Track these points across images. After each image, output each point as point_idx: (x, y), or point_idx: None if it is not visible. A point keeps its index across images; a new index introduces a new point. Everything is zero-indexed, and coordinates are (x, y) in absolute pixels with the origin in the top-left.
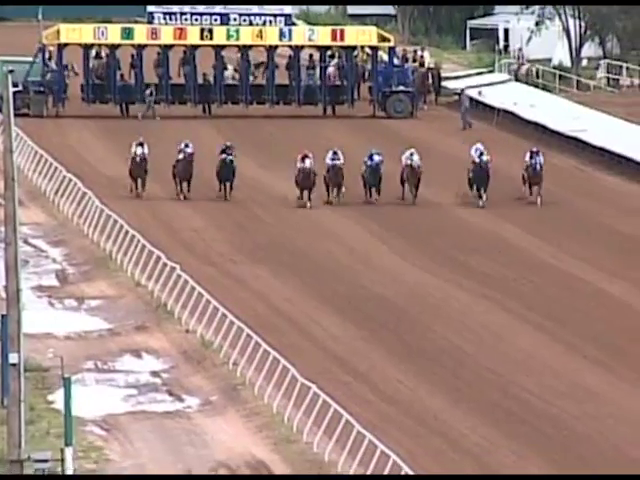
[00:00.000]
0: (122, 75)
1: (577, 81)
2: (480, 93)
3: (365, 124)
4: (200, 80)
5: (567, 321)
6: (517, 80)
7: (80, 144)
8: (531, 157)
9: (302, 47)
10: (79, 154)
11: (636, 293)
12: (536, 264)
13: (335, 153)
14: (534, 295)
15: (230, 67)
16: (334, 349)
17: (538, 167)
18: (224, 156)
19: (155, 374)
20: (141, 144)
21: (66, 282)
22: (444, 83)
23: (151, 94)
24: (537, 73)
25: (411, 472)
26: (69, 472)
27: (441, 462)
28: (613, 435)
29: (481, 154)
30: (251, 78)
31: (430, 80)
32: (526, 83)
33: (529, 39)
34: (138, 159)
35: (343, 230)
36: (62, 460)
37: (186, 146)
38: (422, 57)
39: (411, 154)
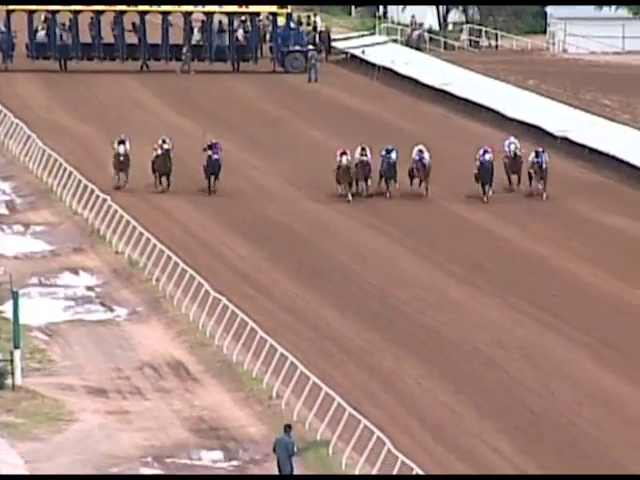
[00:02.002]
0: (61, 35)
1: (444, 43)
2: (363, 52)
3: (266, 78)
4: (127, 40)
5: (437, 244)
6: (408, 43)
7: (26, 94)
8: (536, 155)
9: (213, 13)
10: (25, 102)
11: (493, 220)
12: (410, 196)
13: (363, 149)
14: (412, 224)
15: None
16: (241, 268)
17: (544, 165)
18: (210, 153)
19: (90, 288)
20: (123, 142)
21: (14, 211)
22: (333, 44)
23: (187, 51)
24: (424, 38)
25: (305, 369)
26: (18, 370)
27: (331, 362)
28: (473, 337)
29: (485, 153)
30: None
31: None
32: (417, 47)
33: (404, 7)
34: (122, 157)
35: (253, 172)
36: (11, 360)
37: (164, 142)
38: (315, 22)
39: (420, 151)
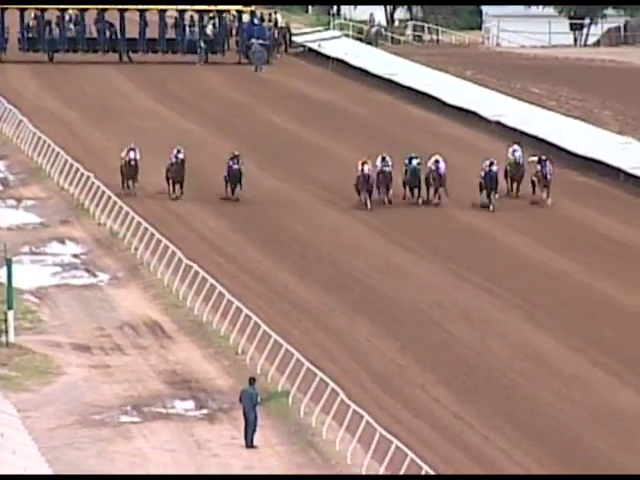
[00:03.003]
0: (50, 30)
1: (391, 37)
2: (319, 45)
3: (233, 69)
4: (108, 34)
5: (388, 219)
6: (367, 38)
7: (18, 83)
8: (540, 163)
9: (185, 10)
10: (17, 90)
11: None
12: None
13: (384, 159)
14: (384, 213)
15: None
16: (210, 238)
17: (548, 176)
18: (231, 164)
19: (75, 256)
20: (133, 149)
21: (8, 187)
22: (293, 38)
23: (205, 43)
24: (382, 34)
25: (267, 328)
26: (11, 329)
27: (290, 321)
28: (417, 300)
29: (491, 164)
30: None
31: (281, 36)
32: (375, 42)
33: (355, 6)
34: (132, 162)
35: (220, 152)
36: (5, 320)
37: (178, 152)
38: (276, 19)
39: (436, 161)
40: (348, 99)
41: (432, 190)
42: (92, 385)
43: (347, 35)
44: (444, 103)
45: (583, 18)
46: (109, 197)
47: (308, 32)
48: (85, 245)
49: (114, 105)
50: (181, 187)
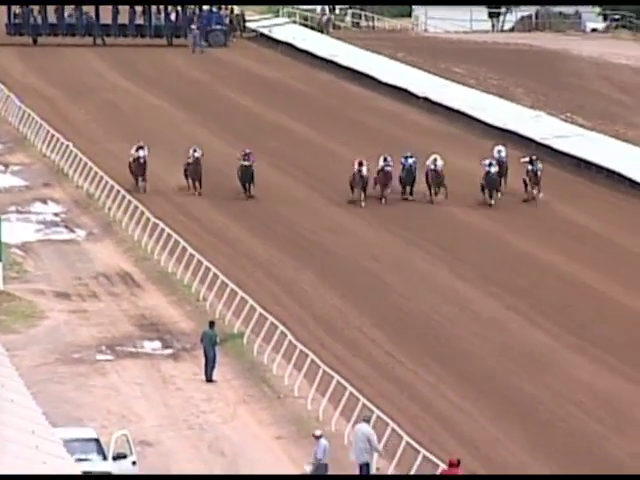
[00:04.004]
0: (34, 17)
1: (333, 24)
2: (270, 31)
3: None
4: (85, 20)
5: (325, 179)
6: (319, 26)
7: (5, 63)
8: (531, 163)
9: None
10: (5, 69)
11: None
12: (309, 145)
13: (386, 159)
14: (312, 168)
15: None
16: (176, 199)
17: (539, 173)
18: (243, 162)
19: (56, 215)
20: (142, 147)
21: None
22: (247, 24)
23: (198, 28)
24: (332, 21)
25: (224, 278)
26: (0, 278)
27: (244, 272)
28: (356, 254)
29: (490, 165)
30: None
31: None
32: (326, 29)
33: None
34: (142, 160)
35: (182, 124)
36: None
37: (195, 151)
38: (232, 6)
39: (435, 160)
40: (295, 78)
41: (433, 189)
42: (71, 328)
43: (294, 22)
44: (379, 81)
45: (500, 7)
46: (85, 163)
47: (260, 19)
48: (65, 205)
49: (90, 82)
50: (200, 184)
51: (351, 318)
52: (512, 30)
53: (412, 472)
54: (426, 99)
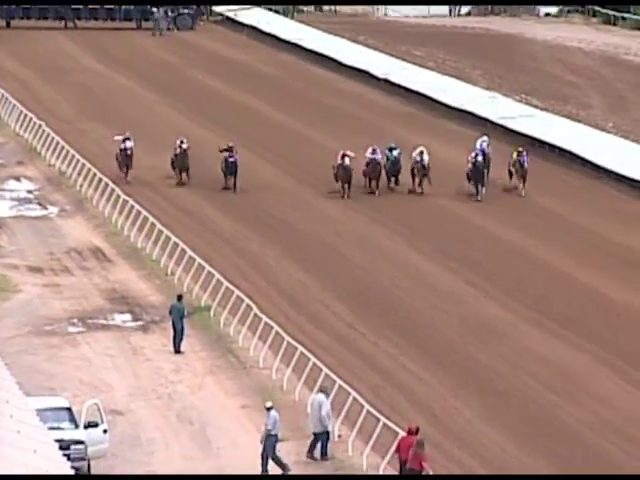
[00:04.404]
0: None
1: (297, 7)
2: (235, 15)
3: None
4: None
5: (293, 160)
6: (285, 10)
7: None
8: (518, 155)
9: None
10: None
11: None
12: (278, 127)
13: (374, 151)
14: (279, 149)
15: None
16: (147, 179)
17: (525, 164)
18: (226, 155)
19: (30, 192)
20: (128, 138)
21: None
22: (213, 8)
23: (166, 13)
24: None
25: (192, 253)
26: None
27: (212, 248)
28: (319, 230)
29: (476, 155)
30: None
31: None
32: (292, 14)
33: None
34: (128, 152)
35: (153, 104)
36: None
37: (182, 142)
38: None
39: (421, 152)
40: (260, 60)
41: (417, 180)
42: (44, 301)
43: (259, 5)
44: (341, 63)
45: None
46: (58, 142)
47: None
48: (37, 182)
49: (62, 64)
50: (187, 174)
51: (314, 292)
52: (469, 14)
53: (372, 439)
54: (387, 81)
